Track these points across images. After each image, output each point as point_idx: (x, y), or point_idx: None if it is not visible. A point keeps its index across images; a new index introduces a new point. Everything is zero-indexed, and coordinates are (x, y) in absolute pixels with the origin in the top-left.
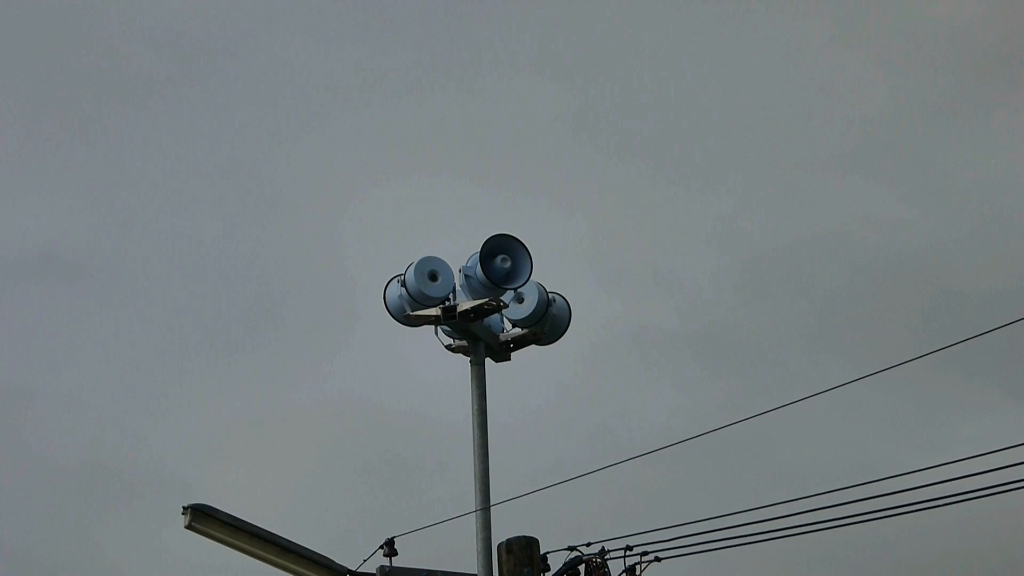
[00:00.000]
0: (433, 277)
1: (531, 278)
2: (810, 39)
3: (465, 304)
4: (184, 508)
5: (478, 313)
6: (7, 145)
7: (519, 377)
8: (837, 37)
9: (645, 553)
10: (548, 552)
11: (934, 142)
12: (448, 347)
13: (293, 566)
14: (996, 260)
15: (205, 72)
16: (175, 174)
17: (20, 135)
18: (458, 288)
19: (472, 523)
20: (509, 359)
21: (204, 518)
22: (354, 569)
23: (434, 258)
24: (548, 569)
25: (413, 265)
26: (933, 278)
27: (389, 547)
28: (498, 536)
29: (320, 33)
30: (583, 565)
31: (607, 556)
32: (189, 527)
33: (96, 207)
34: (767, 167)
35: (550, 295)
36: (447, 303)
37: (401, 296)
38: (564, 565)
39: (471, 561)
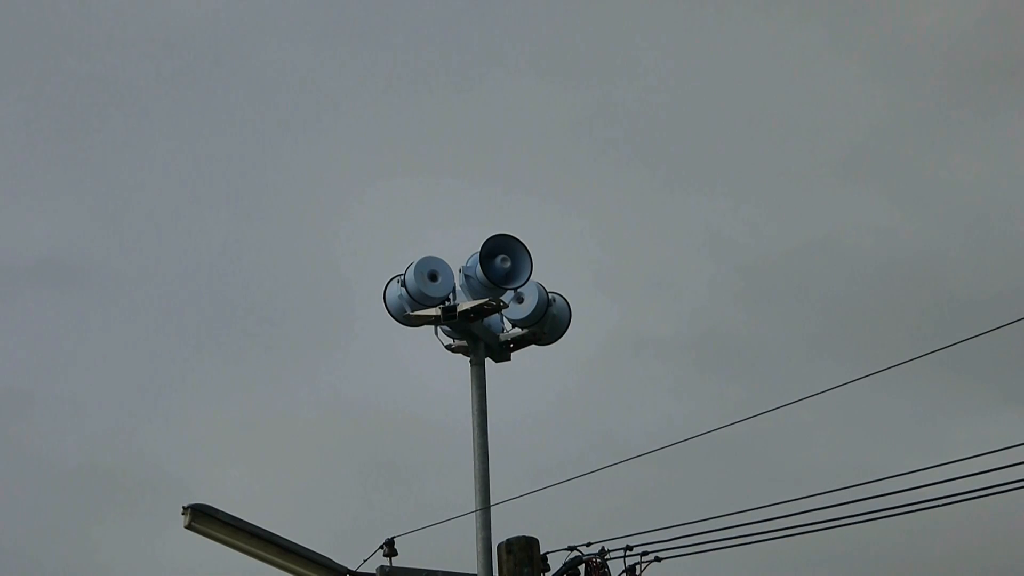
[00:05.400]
0: (433, 277)
1: (531, 278)
2: (806, 47)
3: (465, 304)
4: (184, 508)
5: (478, 313)
6: (7, 151)
7: (519, 377)
8: (832, 45)
9: (645, 553)
10: (548, 552)
11: (927, 149)
12: (448, 347)
13: (293, 566)
14: (990, 264)
15: (203, 76)
16: (173, 179)
17: (20, 141)
18: (458, 288)
19: (472, 523)
20: (509, 359)
21: (204, 518)
22: (354, 569)
23: (434, 258)
24: (548, 569)
25: (413, 265)
26: (928, 283)
27: (389, 547)
28: (498, 536)
29: (319, 35)
30: (583, 565)
31: (607, 556)
32: (189, 527)
33: (95, 212)
34: (764, 174)
35: (550, 295)
36: (447, 303)
37: (401, 296)
38: (564, 565)
39: (471, 561)
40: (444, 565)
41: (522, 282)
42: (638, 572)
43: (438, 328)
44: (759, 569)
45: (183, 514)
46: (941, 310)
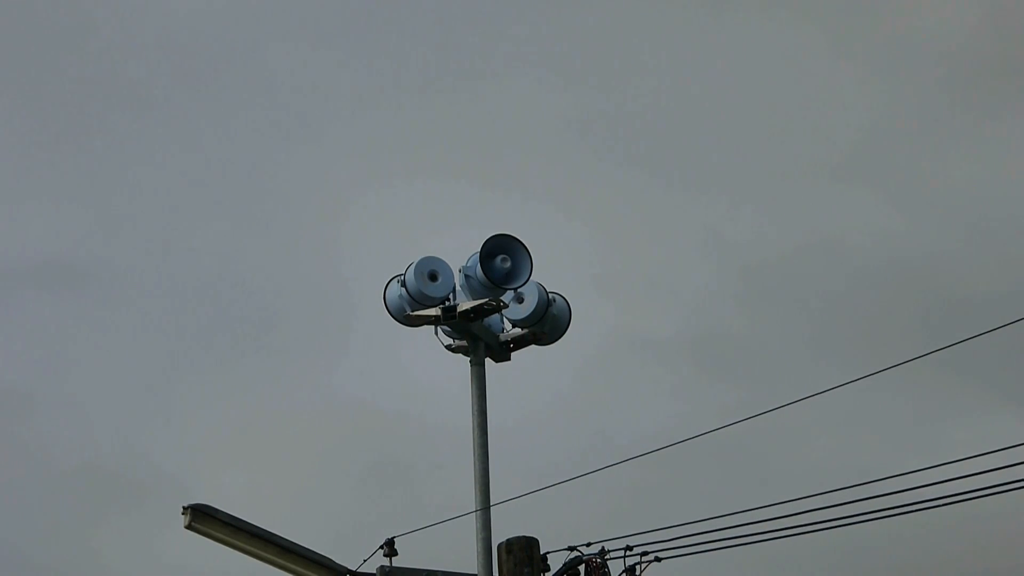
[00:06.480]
0: (433, 277)
1: (531, 278)
2: (805, 48)
3: (465, 304)
4: (184, 508)
5: (478, 313)
6: (8, 151)
7: (519, 377)
8: (831, 46)
9: (645, 553)
10: (548, 552)
11: (927, 150)
12: (448, 347)
13: (293, 566)
14: (990, 264)
15: (204, 77)
16: (173, 180)
17: (20, 143)
18: (458, 288)
19: (472, 523)
20: (509, 359)
21: (204, 518)
22: (354, 569)
23: (434, 258)
24: (548, 569)
25: (413, 265)
26: (928, 283)
27: (389, 547)
28: (498, 536)
29: (320, 37)
30: (583, 565)
31: (607, 556)
32: (189, 527)
33: (95, 214)
34: (763, 174)
35: (550, 295)
36: (447, 303)
37: (401, 296)
38: (564, 565)
39: (471, 561)
40: (444, 565)
41: (522, 282)
42: (638, 572)
43: (438, 328)
44: (759, 569)
45: (183, 514)
46: (941, 310)
